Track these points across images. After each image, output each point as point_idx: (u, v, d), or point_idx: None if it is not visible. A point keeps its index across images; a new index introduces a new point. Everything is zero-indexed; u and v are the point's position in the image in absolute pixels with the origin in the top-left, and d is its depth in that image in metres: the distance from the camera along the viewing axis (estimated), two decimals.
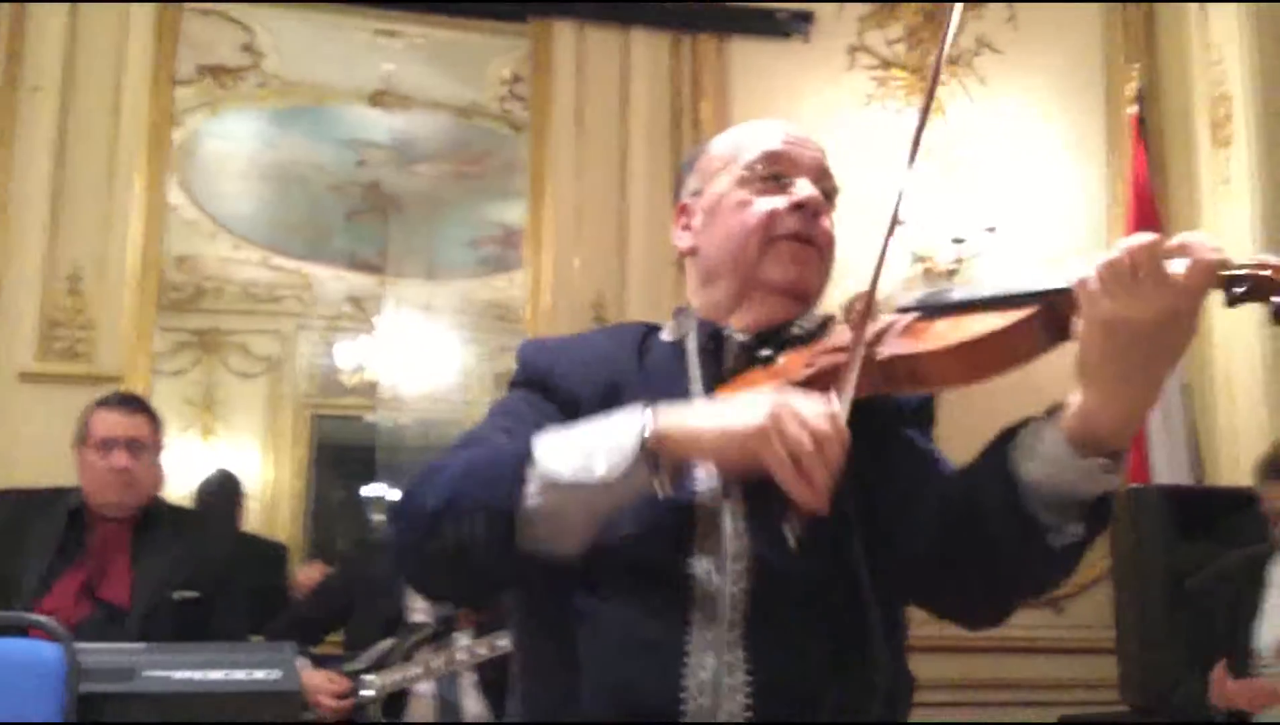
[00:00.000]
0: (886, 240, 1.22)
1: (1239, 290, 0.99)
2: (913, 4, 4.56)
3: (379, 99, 5.73)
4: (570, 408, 1.27)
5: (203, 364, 7.09)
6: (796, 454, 1.03)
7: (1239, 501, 3.29)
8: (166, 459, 2.98)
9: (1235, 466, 4.11)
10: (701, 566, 1.17)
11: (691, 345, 1.33)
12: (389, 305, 6.98)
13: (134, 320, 3.75)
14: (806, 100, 4.37)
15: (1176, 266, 1.00)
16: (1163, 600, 3.48)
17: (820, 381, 1.15)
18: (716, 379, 1.27)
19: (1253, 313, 3.80)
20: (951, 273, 4.25)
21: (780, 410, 1.05)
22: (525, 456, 1.13)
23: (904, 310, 1.22)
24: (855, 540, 1.17)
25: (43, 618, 2.04)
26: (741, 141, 1.38)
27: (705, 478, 1.21)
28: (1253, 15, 4.19)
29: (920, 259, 4.27)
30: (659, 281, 4.13)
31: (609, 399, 1.25)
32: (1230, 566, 3.10)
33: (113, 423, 2.82)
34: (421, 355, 6.86)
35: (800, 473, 1.03)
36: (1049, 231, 4.43)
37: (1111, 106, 4.55)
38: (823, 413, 1.05)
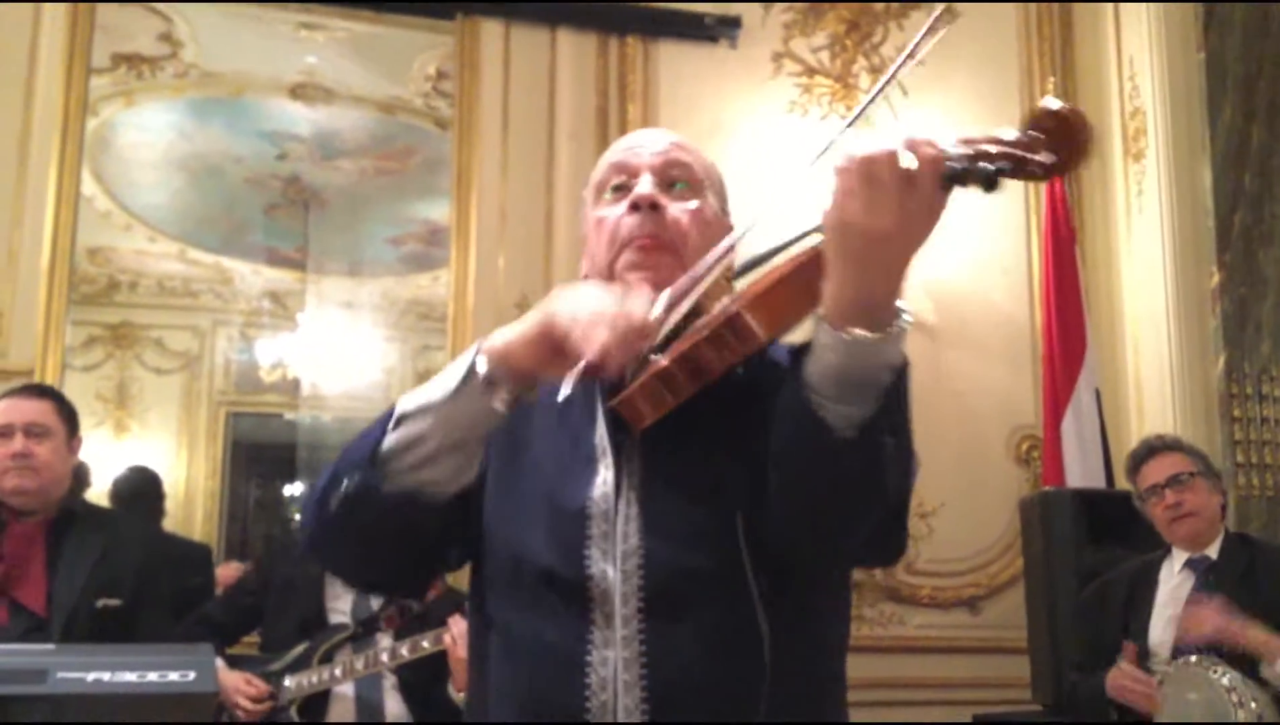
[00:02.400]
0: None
1: (957, 168, 1.03)
2: (837, 13, 4.62)
3: (300, 92, 5.65)
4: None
5: (116, 359, 6.92)
6: (581, 318, 1.12)
7: None
8: (81, 455, 2.90)
9: None
10: (598, 567, 1.21)
11: None
12: (310, 302, 6.88)
13: (45, 313, 3.66)
14: (731, 105, 4.40)
15: (905, 169, 1.03)
16: (1072, 601, 3.56)
17: (680, 364, 1.19)
18: (615, 388, 1.29)
19: (1161, 319, 3.89)
20: None
21: (567, 294, 1.16)
22: (388, 413, 1.22)
23: (736, 276, 1.27)
24: (739, 528, 1.20)
25: None
26: (601, 162, 1.42)
27: (601, 483, 1.25)
28: (1166, 32, 4.31)
29: None
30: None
31: (519, 416, 1.30)
32: (1123, 572, 3.17)
33: (11, 408, 2.74)
34: (343, 353, 6.77)
35: (584, 334, 1.10)
36: (968, 240, 4.51)
37: (1029, 118, 4.65)
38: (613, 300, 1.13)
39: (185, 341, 7.16)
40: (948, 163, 1.02)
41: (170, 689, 1.71)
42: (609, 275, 1.33)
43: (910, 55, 1.19)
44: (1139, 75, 4.43)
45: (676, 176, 1.36)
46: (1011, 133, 1.04)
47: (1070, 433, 4.09)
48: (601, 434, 1.28)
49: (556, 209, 4.21)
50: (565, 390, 1.12)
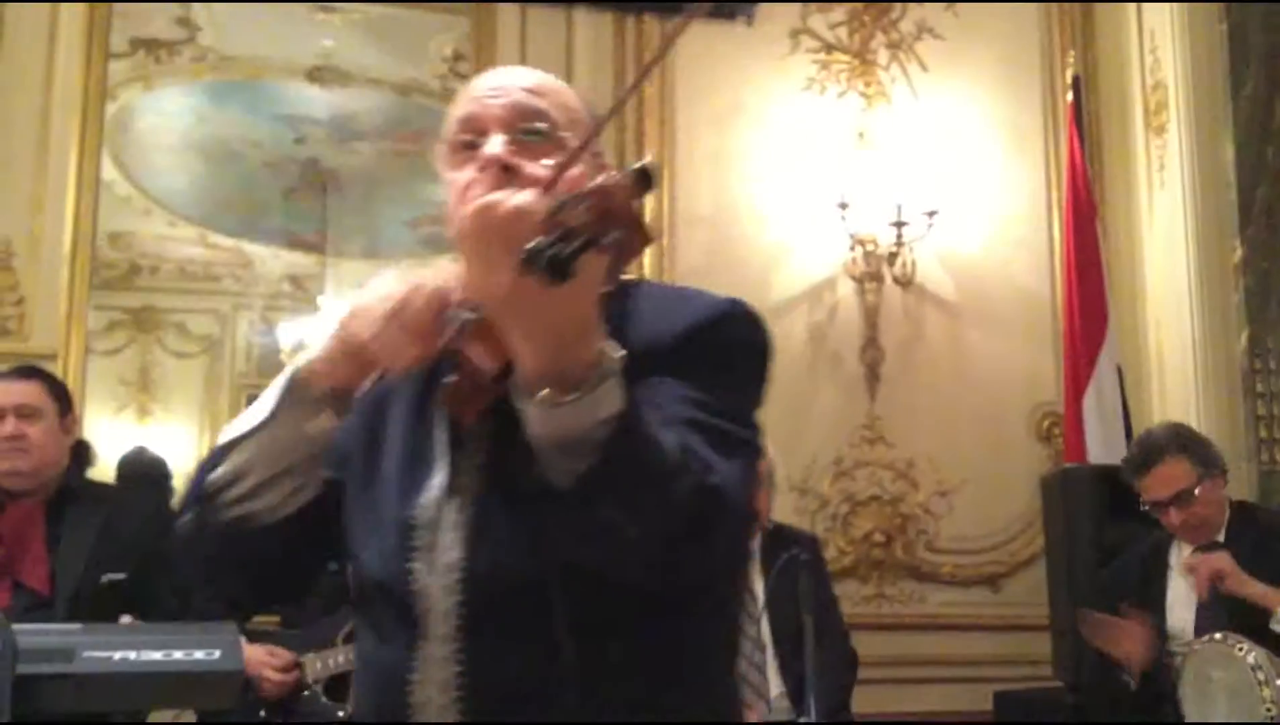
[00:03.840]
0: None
1: (535, 248, 0.89)
2: None
3: (317, 75, 5.65)
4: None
5: (138, 343, 6.96)
6: (371, 321, 1.10)
7: None
8: (98, 438, 2.91)
9: None
10: (423, 580, 1.14)
11: None
12: (329, 284, 6.90)
13: (68, 297, 3.68)
14: (749, 83, 4.39)
15: (499, 229, 0.93)
16: (1094, 578, 3.55)
17: (463, 371, 1.12)
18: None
19: (1183, 295, 3.84)
20: (892, 256, 4.30)
21: (359, 299, 1.15)
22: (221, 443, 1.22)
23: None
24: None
25: None
26: (450, 116, 1.28)
27: (430, 489, 1.17)
28: (1187, 5, 4.27)
29: (860, 242, 4.31)
30: None
31: (378, 421, 1.26)
32: (1134, 555, 3.14)
33: (1, 391, 2.75)
34: None
35: (377, 337, 1.09)
36: (989, 215, 4.49)
37: (1049, 93, 4.62)
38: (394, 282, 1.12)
39: (206, 325, 7.19)
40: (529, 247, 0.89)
41: (196, 667, 1.73)
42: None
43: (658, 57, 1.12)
44: (1160, 48, 4.39)
45: (533, 127, 1.22)
46: (585, 207, 0.91)
47: (1092, 409, 4.07)
48: (438, 441, 1.19)
49: None
50: (361, 391, 1.13)
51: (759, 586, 3.34)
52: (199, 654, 1.70)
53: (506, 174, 1.17)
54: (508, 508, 1.12)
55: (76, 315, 3.70)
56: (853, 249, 4.32)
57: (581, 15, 4.33)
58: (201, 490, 1.19)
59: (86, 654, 1.66)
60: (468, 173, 1.20)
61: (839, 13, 4.57)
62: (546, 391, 0.95)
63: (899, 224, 4.26)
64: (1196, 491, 2.91)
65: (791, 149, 4.37)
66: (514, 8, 4.30)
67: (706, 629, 1.19)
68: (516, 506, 1.11)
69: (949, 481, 4.33)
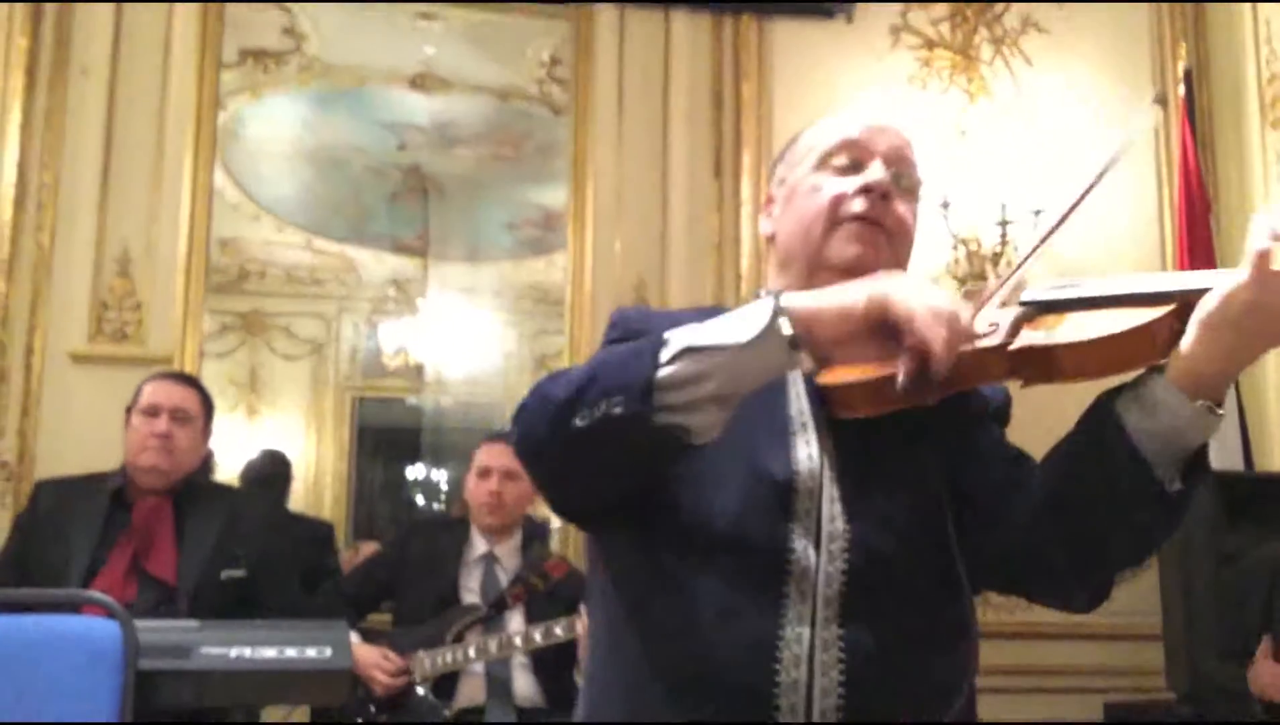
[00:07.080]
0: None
1: None
2: None
3: (419, 82, 5.75)
4: None
5: (247, 346, 7.15)
6: (920, 308, 1.09)
7: None
8: (213, 440, 3.03)
9: None
10: (800, 543, 1.19)
11: None
12: (431, 288, 7.01)
13: (183, 302, 3.79)
14: (849, 80, 4.34)
15: None
16: (1209, 587, 3.45)
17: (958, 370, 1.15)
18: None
19: None
20: (996, 256, 4.22)
21: (900, 281, 1.14)
22: (659, 340, 1.13)
23: (1026, 303, 1.21)
24: (948, 523, 1.22)
25: (100, 595, 2.07)
26: (825, 130, 1.40)
27: (806, 458, 1.23)
28: None
29: (963, 242, 4.24)
30: (700, 264, 4.13)
31: None
32: (1266, 557, 3.04)
33: (161, 391, 2.91)
34: (463, 338, 6.89)
35: (928, 324, 1.08)
36: (1098, 213, 4.38)
37: (1160, 87, 4.50)
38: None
39: (312, 329, 7.35)
40: None
41: (308, 665, 1.78)
42: (814, 242, 1.33)
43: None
44: (1276, 38, 4.24)
45: (903, 174, 1.36)
46: None
47: None
48: (801, 408, 1.27)
49: (672, 191, 4.20)
50: (903, 381, 1.11)
51: None
52: (311, 652, 1.74)
53: (883, 201, 1.32)
54: (879, 489, 1.22)
55: (191, 320, 3.80)
56: (955, 248, 4.25)
57: (679, 16, 4.34)
58: (649, 384, 1.10)
59: (204, 650, 1.72)
60: (842, 182, 1.34)
61: (940, 9, 4.50)
62: (1208, 403, 1.11)
63: (1004, 222, 4.19)
64: None
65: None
66: (612, 10, 4.31)
67: None
68: (887, 489, 1.23)
69: None
